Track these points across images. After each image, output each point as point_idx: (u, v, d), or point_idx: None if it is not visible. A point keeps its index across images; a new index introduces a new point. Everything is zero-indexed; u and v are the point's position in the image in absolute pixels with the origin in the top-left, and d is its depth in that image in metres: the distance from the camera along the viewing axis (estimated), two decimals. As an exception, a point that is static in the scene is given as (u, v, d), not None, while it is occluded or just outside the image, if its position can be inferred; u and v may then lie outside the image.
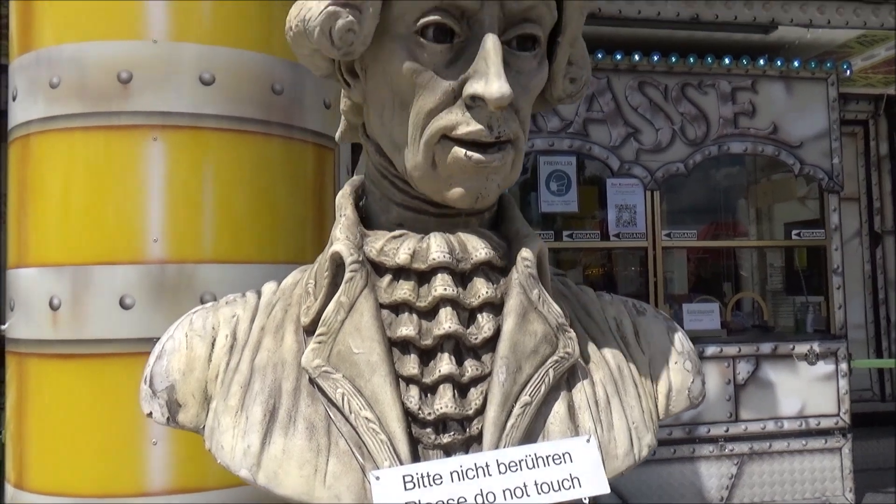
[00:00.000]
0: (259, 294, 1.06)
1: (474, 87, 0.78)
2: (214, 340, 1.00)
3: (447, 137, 0.82)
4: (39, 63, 2.36)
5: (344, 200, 0.98)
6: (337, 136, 1.03)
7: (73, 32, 2.31)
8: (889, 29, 5.34)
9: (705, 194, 6.61)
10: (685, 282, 6.68)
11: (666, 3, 5.17)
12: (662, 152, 5.55)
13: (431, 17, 0.78)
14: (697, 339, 5.42)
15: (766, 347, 5.41)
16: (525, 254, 0.91)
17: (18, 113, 2.41)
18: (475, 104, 0.80)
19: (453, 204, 0.86)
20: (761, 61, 5.58)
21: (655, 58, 5.45)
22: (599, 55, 5.37)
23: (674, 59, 5.47)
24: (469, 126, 0.80)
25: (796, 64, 5.62)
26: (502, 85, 0.75)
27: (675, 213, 6.23)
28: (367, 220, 0.98)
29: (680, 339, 1.07)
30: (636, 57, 5.43)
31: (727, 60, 5.52)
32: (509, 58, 0.82)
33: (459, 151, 0.82)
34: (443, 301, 0.88)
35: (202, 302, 2.28)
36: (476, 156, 0.81)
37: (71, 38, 2.31)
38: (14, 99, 2.44)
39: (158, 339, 0.98)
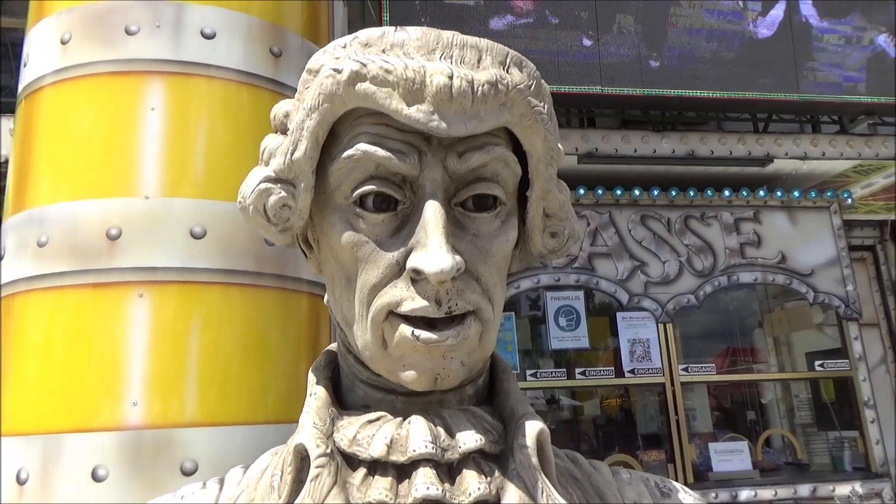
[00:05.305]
0: (222, 484, 0.90)
1: (414, 261, 0.69)
2: None
3: (395, 314, 0.72)
4: (31, 222, 2.33)
5: (316, 375, 0.85)
6: (325, 298, 0.93)
7: (66, 192, 2.30)
8: (884, 159, 5.41)
9: (719, 325, 6.45)
10: (708, 417, 6.35)
11: (661, 140, 5.30)
12: (671, 284, 5.47)
13: (367, 187, 0.71)
14: (729, 481, 5.04)
15: (804, 489, 5.01)
16: (522, 440, 0.78)
17: (4, 274, 2.35)
18: (419, 277, 0.70)
19: (411, 387, 0.75)
20: (761, 192, 5.63)
21: (655, 192, 5.51)
22: (600, 191, 5.44)
23: (674, 193, 5.53)
24: (414, 303, 0.70)
25: (796, 194, 5.66)
26: (443, 258, 0.67)
27: (689, 343, 6.04)
28: (341, 395, 0.85)
29: None
30: (636, 192, 5.49)
31: (727, 192, 5.57)
32: (465, 220, 0.73)
33: (406, 330, 0.71)
34: (426, 503, 0.73)
35: (181, 471, 2.09)
36: (425, 335, 0.71)
37: (63, 197, 2.30)
38: (1, 259, 2.39)
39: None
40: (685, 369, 5.33)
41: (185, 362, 2.20)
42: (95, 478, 2.03)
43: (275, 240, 0.86)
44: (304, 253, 0.86)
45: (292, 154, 0.73)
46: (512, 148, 0.75)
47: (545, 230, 0.83)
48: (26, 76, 2.54)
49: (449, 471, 0.75)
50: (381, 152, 0.69)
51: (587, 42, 5.03)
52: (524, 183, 0.79)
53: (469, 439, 0.75)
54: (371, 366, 0.77)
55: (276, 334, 2.42)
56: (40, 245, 2.25)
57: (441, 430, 0.76)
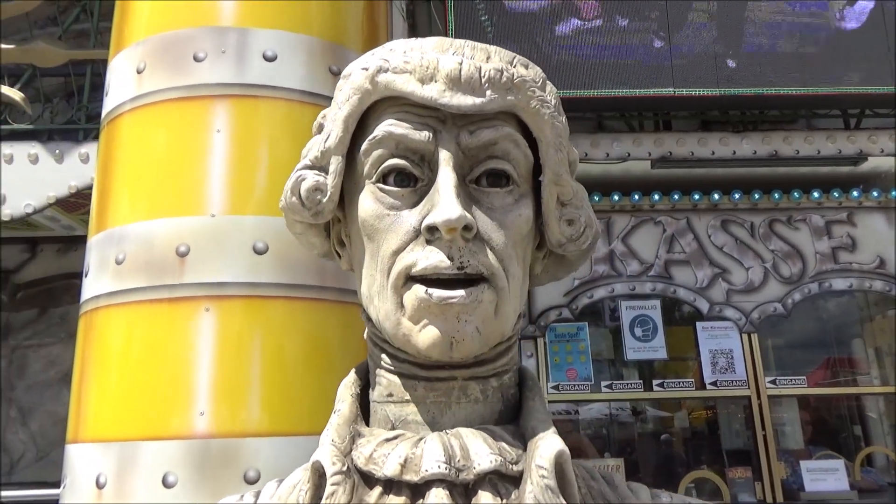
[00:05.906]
0: (257, 496, 0.95)
1: (426, 219, 0.74)
2: None
3: (412, 278, 0.76)
4: (111, 241, 2.49)
5: (344, 391, 0.88)
6: (364, 333, 0.96)
7: (141, 211, 2.45)
8: None
9: (814, 334, 6.05)
10: (799, 433, 5.97)
11: (741, 141, 5.06)
12: (756, 292, 5.20)
13: (389, 162, 0.78)
14: (823, 502, 4.73)
15: (909, 514, 4.63)
16: (540, 462, 0.76)
17: (87, 289, 2.52)
18: (434, 237, 0.74)
19: (427, 353, 0.77)
20: (855, 193, 5.28)
21: (737, 195, 5.26)
22: (676, 196, 5.25)
23: (757, 196, 5.26)
24: (428, 260, 0.74)
25: (895, 194, 5.27)
26: (451, 208, 0.72)
27: (782, 353, 5.70)
28: (368, 409, 0.87)
29: None
30: (716, 196, 5.26)
31: (816, 194, 5.25)
32: (479, 196, 0.79)
33: (420, 289, 0.74)
34: (437, 524, 0.72)
35: (245, 479, 2.16)
36: (438, 292, 0.73)
37: (139, 216, 2.44)
38: (86, 276, 2.56)
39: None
40: (772, 382, 5.05)
41: (249, 374, 2.28)
42: (166, 484, 2.13)
43: (316, 248, 0.92)
44: (337, 254, 0.92)
45: (326, 142, 0.81)
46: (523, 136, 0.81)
47: (561, 218, 0.86)
48: (108, 104, 2.72)
49: (465, 491, 0.74)
50: (399, 129, 0.76)
51: (658, 43, 4.88)
52: (538, 179, 0.84)
53: (484, 460, 0.75)
54: (391, 337, 0.79)
55: (337, 346, 2.47)
56: (118, 262, 2.39)
57: (457, 450, 0.76)
